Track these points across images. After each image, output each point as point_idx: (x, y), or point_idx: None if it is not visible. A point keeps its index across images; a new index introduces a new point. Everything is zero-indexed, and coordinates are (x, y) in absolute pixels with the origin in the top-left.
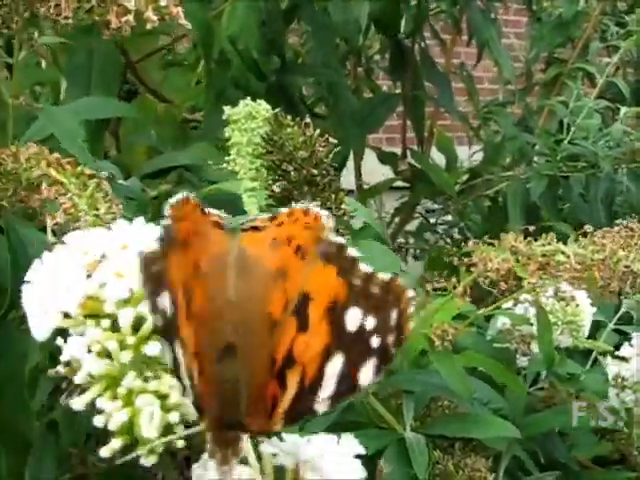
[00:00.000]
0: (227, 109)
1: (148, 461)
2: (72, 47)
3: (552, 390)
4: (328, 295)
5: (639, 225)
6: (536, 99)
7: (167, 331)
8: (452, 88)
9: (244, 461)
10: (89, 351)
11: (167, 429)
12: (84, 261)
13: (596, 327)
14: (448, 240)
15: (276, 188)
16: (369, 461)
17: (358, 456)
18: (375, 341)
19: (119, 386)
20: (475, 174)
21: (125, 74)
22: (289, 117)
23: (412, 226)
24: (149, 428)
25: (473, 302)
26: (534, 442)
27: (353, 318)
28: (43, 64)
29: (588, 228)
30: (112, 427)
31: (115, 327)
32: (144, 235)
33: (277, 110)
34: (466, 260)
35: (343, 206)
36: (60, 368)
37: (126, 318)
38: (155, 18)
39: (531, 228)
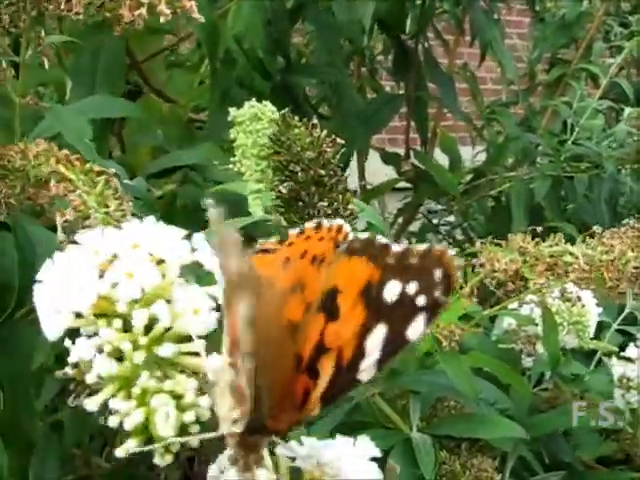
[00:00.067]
0: (232, 110)
1: (164, 461)
2: (77, 47)
3: (556, 391)
4: (359, 281)
5: None
6: (539, 100)
7: None
8: (456, 88)
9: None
10: (100, 352)
11: (182, 429)
12: (96, 261)
13: (600, 328)
14: (451, 241)
15: (283, 189)
16: (376, 461)
17: (373, 458)
18: (421, 300)
19: (133, 386)
20: (479, 174)
21: (128, 75)
22: (296, 118)
23: (414, 227)
24: (165, 427)
25: (477, 303)
26: (539, 442)
27: (392, 290)
28: (46, 65)
29: (597, 229)
30: (128, 427)
31: (126, 327)
32: (155, 234)
33: (285, 111)
34: (474, 260)
35: (350, 207)
36: (68, 369)
37: (140, 319)
38: (168, 12)
39: (538, 229)
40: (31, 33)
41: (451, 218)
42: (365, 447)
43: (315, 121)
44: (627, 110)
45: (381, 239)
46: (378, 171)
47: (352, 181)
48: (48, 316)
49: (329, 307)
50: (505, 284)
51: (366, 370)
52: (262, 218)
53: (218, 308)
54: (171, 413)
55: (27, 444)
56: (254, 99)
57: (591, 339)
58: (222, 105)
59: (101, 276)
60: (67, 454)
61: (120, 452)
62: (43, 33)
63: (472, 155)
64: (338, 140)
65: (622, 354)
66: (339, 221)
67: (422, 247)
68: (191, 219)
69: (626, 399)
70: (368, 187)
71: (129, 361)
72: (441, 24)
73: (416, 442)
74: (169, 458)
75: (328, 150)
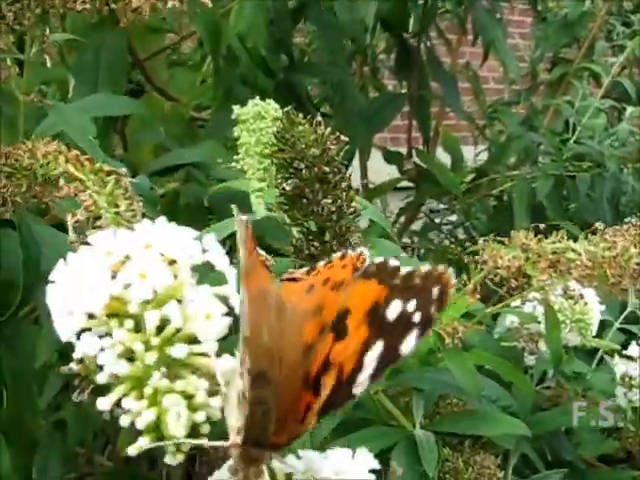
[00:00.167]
0: (236, 109)
1: (176, 460)
2: (80, 45)
3: (559, 389)
4: (367, 301)
5: None
6: (541, 99)
7: None
8: (458, 88)
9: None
10: (113, 352)
11: (193, 428)
12: (108, 262)
13: (602, 326)
14: (453, 240)
15: (287, 186)
16: (378, 458)
17: (372, 471)
18: (417, 316)
19: (144, 386)
20: (481, 174)
21: (130, 73)
22: (300, 115)
23: (416, 226)
24: (176, 427)
25: (480, 301)
26: (541, 440)
27: (394, 309)
28: (48, 63)
29: (599, 225)
30: (139, 426)
31: (138, 328)
32: (167, 235)
33: (288, 108)
34: (477, 257)
35: (353, 204)
36: (73, 365)
37: (152, 319)
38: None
39: (541, 226)
40: (35, 31)
41: (453, 217)
42: (364, 459)
43: (319, 118)
44: (629, 109)
45: (393, 262)
46: (380, 170)
47: (354, 180)
48: (61, 317)
49: (338, 327)
50: (508, 281)
51: (361, 384)
52: (265, 216)
53: (230, 312)
54: (182, 413)
55: (30, 442)
56: (257, 97)
57: (593, 337)
58: (225, 103)
59: (113, 277)
60: (70, 452)
61: (132, 451)
62: (48, 31)
63: (474, 154)
64: (342, 137)
65: (624, 352)
66: (361, 249)
67: (425, 268)
68: (194, 217)
69: (628, 397)
70: (370, 186)
71: (141, 361)
72: (444, 23)
73: (419, 439)
74: (180, 457)
75: (332, 147)
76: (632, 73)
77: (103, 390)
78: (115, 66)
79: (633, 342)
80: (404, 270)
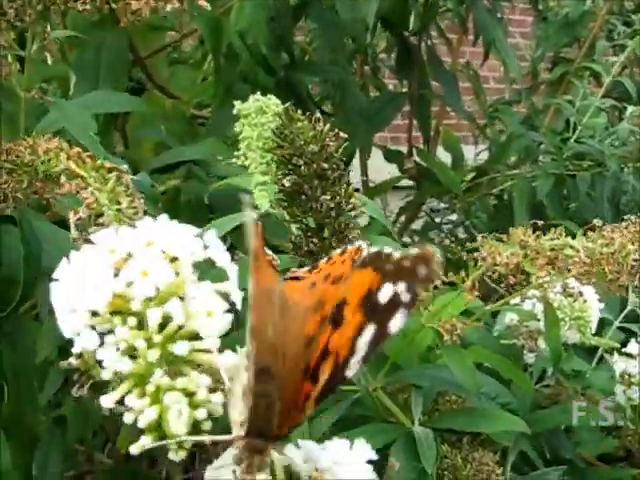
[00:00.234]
0: (237, 104)
1: (178, 456)
2: (81, 43)
3: (558, 387)
4: (363, 289)
5: None
6: (542, 98)
7: None
8: (459, 87)
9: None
10: (116, 349)
11: (194, 425)
12: (111, 260)
13: (602, 325)
14: (453, 239)
15: (286, 182)
16: (377, 455)
17: (370, 461)
18: (405, 296)
19: (147, 384)
20: (481, 173)
21: (131, 72)
22: (299, 111)
23: (417, 225)
24: (178, 425)
25: (480, 299)
26: (540, 438)
27: (386, 293)
28: (49, 61)
29: (597, 222)
30: (142, 424)
31: (140, 325)
32: (168, 232)
33: (288, 104)
34: (475, 254)
35: (352, 200)
36: (72, 360)
37: (154, 317)
38: (175, 1)
39: (539, 223)
40: (37, 27)
41: (453, 217)
42: (361, 450)
43: (318, 115)
44: (630, 108)
45: (386, 249)
46: (381, 169)
47: (354, 179)
48: (64, 315)
49: (336, 317)
50: (506, 277)
51: (354, 366)
52: (267, 211)
53: (231, 308)
54: (184, 410)
55: (30, 438)
56: (258, 93)
57: (593, 335)
58: (226, 100)
59: (116, 275)
60: (70, 449)
61: (134, 449)
62: (49, 28)
63: (474, 154)
64: (341, 134)
65: (623, 350)
66: (360, 242)
67: (414, 250)
68: (195, 215)
69: (627, 395)
70: (371, 185)
71: (143, 359)
72: (444, 23)
73: (418, 436)
74: (183, 454)
75: (331, 144)
76: (633, 72)
77: (102, 385)
78: (116, 64)
79: (632, 339)
80: (396, 255)
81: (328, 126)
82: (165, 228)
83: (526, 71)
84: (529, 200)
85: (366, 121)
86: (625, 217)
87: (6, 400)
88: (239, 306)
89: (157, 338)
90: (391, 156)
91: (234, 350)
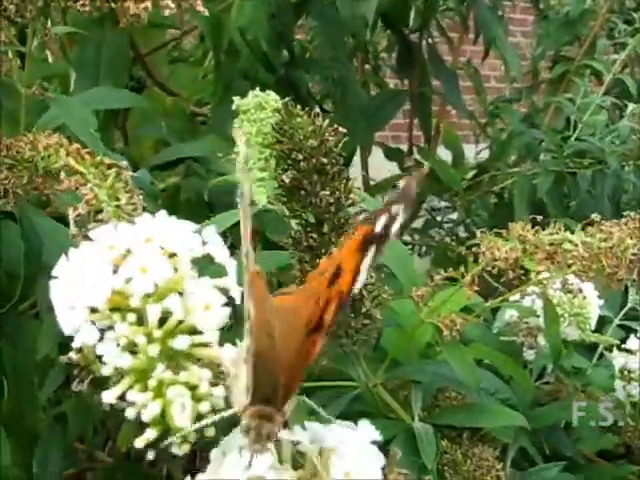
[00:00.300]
0: (237, 99)
1: (182, 450)
2: (81, 39)
3: (558, 384)
4: (358, 240)
5: None
6: (542, 97)
7: None
8: (460, 86)
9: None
10: (116, 345)
11: (197, 419)
12: (110, 256)
13: (602, 323)
14: (454, 237)
15: (285, 177)
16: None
17: (374, 442)
18: (397, 209)
19: (149, 378)
20: (482, 170)
21: (132, 70)
22: (298, 107)
23: (417, 224)
24: (181, 418)
25: (479, 297)
26: (540, 435)
27: (381, 222)
28: (49, 58)
29: (595, 216)
30: (145, 418)
31: (140, 321)
32: (167, 228)
33: (287, 99)
34: (474, 249)
35: (352, 195)
36: (72, 355)
37: (154, 313)
38: (172, 5)
39: (539, 218)
40: (37, 23)
41: (454, 215)
42: (366, 431)
43: (317, 110)
44: (630, 106)
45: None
46: (381, 167)
47: (355, 177)
48: (64, 311)
49: (336, 275)
50: (505, 273)
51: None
52: (265, 208)
53: (229, 302)
54: (187, 404)
55: (30, 436)
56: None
57: (592, 332)
58: (225, 97)
59: (115, 271)
60: (70, 447)
61: (139, 442)
62: (49, 24)
63: (475, 152)
64: (340, 129)
65: (623, 346)
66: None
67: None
68: (194, 211)
69: (627, 391)
70: (371, 183)
71: (144, 354)
72: (445, 21)
73: (418, 432)
74: (186, 447)
75: (330, 139)
76: (633, 71)
77: (102, 381)
78: (116, 61)
79: (632, 335)
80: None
81: (327, 121)
82: (163, 224)
83: (527, 69)
84: (530, 198)
85: (366, 119)
86: (625, 213)
87: (6, 397)
88: (238, 300)
89: (157, 333)
90: (392, 154)
91: (234, 344)
